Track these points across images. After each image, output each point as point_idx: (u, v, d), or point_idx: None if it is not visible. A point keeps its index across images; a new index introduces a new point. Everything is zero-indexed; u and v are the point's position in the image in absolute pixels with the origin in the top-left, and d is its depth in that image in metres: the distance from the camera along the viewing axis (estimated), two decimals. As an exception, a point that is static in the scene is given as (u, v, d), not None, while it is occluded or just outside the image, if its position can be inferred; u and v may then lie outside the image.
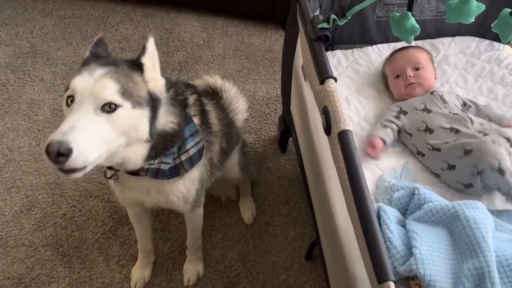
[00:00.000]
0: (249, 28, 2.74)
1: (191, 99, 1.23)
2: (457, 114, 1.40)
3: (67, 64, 2.45)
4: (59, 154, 0.84)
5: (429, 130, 1.39)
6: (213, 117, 1.38)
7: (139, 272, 1.62)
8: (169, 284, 1.63)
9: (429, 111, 1.43)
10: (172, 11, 2.83)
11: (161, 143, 1.07)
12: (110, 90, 0.92)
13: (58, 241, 1.72)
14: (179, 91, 1.16)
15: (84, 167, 0.89)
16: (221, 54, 2.56)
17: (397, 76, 1.58)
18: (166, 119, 1.07)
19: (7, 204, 1.83)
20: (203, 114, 1.30)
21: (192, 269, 1.63)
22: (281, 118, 1.98)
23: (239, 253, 1.71)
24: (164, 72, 2.38)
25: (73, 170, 0.88)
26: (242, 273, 1.66)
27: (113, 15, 2.79)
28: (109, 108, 0.92)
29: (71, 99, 0.94)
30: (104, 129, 0.91)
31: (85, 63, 1.03)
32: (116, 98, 0.93)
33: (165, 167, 1.13)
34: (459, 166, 1.28)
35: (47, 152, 0.84)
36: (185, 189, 1.25)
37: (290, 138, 1.97)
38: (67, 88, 0.96)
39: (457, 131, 1.33)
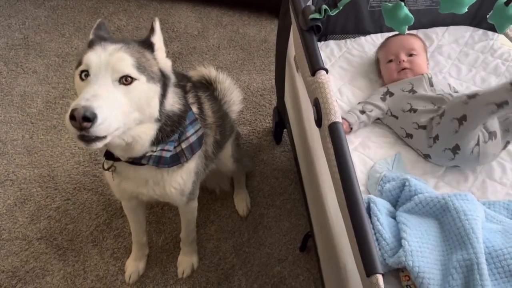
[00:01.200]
0: (244, 18, 2.72)
1: (188, 86, 1.25)
2: (441, 95, 1.40)
3: (60, 56, 2.43)
4: (85, 119, 0.83)
5: (413, 110, 1.40)
6: (207, 109, 1.38)
7: (134, 264, 1.63)
8: (164, 277, 1.63)
9: (414, 92, 1.44)
10: (166, 1, 2.81)
11: (168, 125, 1.09)
12: (127, 62, 0.94)
13: (52, 234, 1.72)
14: (178, 77, 1.18)
15: (105, 137, 0.89)
16: (216, 45, 2.54)
17: (390, 61, 1.57)
18: (174, 100, 1.10)
19: (0, 197, 1.82)
20: (200, 104, 1.30)
21: (186, 261, 1.64)
22: (276, 109, 1.98)
23: (234, 245, 1.72)
24: (158, 63, 2.40)
25: (95, 139, 0.88)
26: (236, 265, 1.66)
27: (107, 5, 2.76)
28: (125, 80, 0.93)
29: (85, 74, 0.94)
30: (122, 100, 0.92)
31: (92, 43, 1.02)
32: (132, 71, 0.95)
33: (166, 154, 1.13)
34: (448, 128, 1.26)
35: (72, 117, 0.84)
36: (182, 180, 1.26)
37: (285, 130, 1.97)
38: (79, 64, 0.97)
39: (439, 107, 1.34)
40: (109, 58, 0.93)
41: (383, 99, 1.49)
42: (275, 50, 1.76)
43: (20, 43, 2.50)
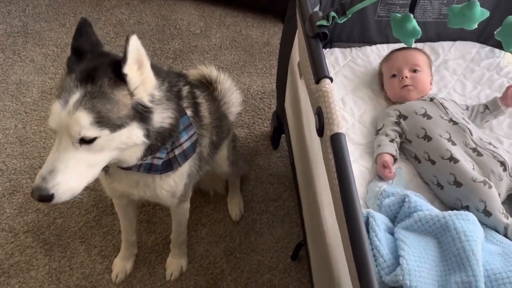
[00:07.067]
0: (247, 19, 2.69)
1: (184, 91, 1.19)
2: (457, 123, 1.36)
3: (59, 46, 2.39)
4: (43, 199, 0.89)
5: (427, 137, 1.35)
6: (205, 109, 1.34)
7: (121, 264, 1.59)
8: (151, 278, 1.60)
9: (429, 117, 1.40)
10: (170, -2, 2.77)
11: (159, 140, 1.04)
12: (83, 123, 0.88)
13: (39, 228, 1.68)
14: (172, 82, 1.12)
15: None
16: (218, 45, 2.51)
17: (393, 76, 1.55)
18: (163, 116, 1.03)
19: (-12, 187, 1.78)
20: (195, 106, 1.26)
21: (175, 263, 1.60)
22: (275, 114, 1.95)
23: (224, 249, 1.68)
24: (159, 60, 2.37)
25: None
26: (226, 270, 1.63)
27: (109, -3, 2.72)
28: (85, 141, 0.90)
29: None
30: (87, 158, 0.92)
31: (68, 68, 0.98)
32: (90, 132, 0.89)
33: (158, 162, 1.10)
34: (446, 189, 1.27)
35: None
36: (175, 183, 1.23)
37: (283, 135, 1.94)
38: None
39: (454, 143, 1.31)
40: (67, 119, 0.88)
41: (398, 123, 1.44)
42: (278, 55, 1.73)
43: (19, 30, 2.45)
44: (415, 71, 1.52)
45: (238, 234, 1.74)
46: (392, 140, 1.40)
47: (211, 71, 1.72)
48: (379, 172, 1.33)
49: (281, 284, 1.61)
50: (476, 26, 1.05)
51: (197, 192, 1.79)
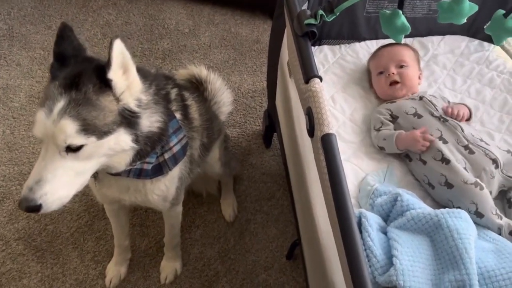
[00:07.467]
0: (236, 17, 2.67)
1: (173, 94, 1.17)
2: (447, 121, 1.36)
3: (46, 49, 2.36)
4: (30, 210, 0.89)
5: None
6: (194, 111, 1.32)
7: (115, 269, 1.58)
8: (146, 282, 1.58)
9: (420, 116, 1.39)
10: (158, -3, 2.74)
11: (148, 145, 1.02)
12: (69, 131, 0.86)
13: (30, 235, 1.66)
14: (160, 85, 1.10)
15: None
16: (207, 44, 2.49)
17: (380, 73, 1.54)
18: (151, 120, 1.01)
19: (-22, 195, 1.76)
20: (185, 108, 1.24)
21: (169, 266, 1.59)
22: (266, 112, 1.93)
23: (219, 251, 1.67)
24: (148, 60, 2.34)
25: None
26: (221, 272, 1.62)
27: (96, -2, 2.69)
28: (72, 149, 0.88)
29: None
30: (75, 166, 0.91)
31: (51, 74, 0.97)
32: (76, 140, 0.87)
33: (148, 166, 1.08)
34: (437, 189, 1.27)
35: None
36: (166, 187, 1.22)
37: (275, 134, 1.93)
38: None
39: (445, 142, 1.30)
40: (52, 127, 0.87)
41: (392, 121, 1.44)
42: (268, 53, 1.72)
43: (4, 34, 2.42)
44: (401, 66, 1.52)
45: (232, 235, 1.73)
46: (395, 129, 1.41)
47: (201, 71, 1.70)
48: (420, 146, 1.30)
49: (276, 284, 1.61)
50: (465, 21, 1.04)
51: (190, 193, 1.77)
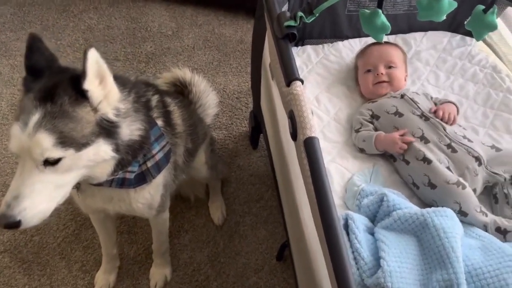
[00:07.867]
0: (219, 17, 2.65)
1: (154, 100, 1.16)
2: (429, 119, 1.36)
3: (27, 56, 2.31)
4: (9, 227, 0.87)
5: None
6: (177, 117, 1.31)
7: (104, 277, 1.56)
8: (135, 290, 1.57)
9: (401, 114, 1.39)
10: (140, -1, 2.71)
11: (130, 154, 1.01)
12: (45, 145, 0.84)
13: (16, 246, 1.64)
14: (140, 93, 1.08)
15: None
16: (191, 45, 2.47)
17: (368, 71, 1.54)
18: (131, 128, 1.00)
19: (-39, 208, 1.72)
20: (167, 115, 1.23)
21: (159, 273, 1.58)
22: (252, 113, 1.92)
23: (208, 255, 1.66)
24: (131, 64, 2.32)
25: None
26: (211, 276, 1.61)
27: (76, 3, 2.65)
28: (50, 162, 0.86)
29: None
30: (54, 180, 0.89)
31: (25, 87, 0.94)
32: (54, 153, 0.86)
33: (130, 175, 1.07)
34: (421, 190, 1.27)
35: None
36: (150, 196, 1.20)
37: (262, 134, 1.92)
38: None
39: (427, 141, 1.30)
40: (28, 141, 0.85)
41: (371, 122, 1.44)
42: (251, 54, 1.71)
43: (-17, 42, 2.37)
44: (390, 67, 1.52)
45: (221, 238, 1.72)
46: (375, 129, 1.41)
47: (185, 73, 1.69)
48: (397, 148, 1.30)
49: (267, 286, 1.60)
50: (445, 18, 1.04)
51: (178, 198, 1.76)
